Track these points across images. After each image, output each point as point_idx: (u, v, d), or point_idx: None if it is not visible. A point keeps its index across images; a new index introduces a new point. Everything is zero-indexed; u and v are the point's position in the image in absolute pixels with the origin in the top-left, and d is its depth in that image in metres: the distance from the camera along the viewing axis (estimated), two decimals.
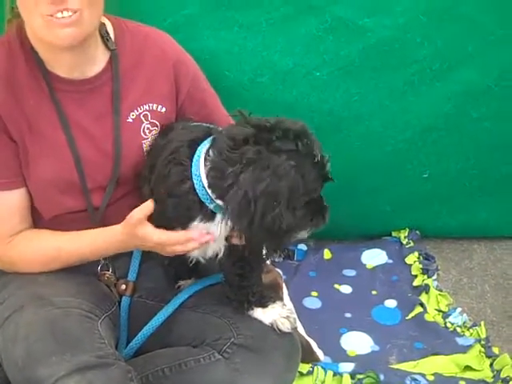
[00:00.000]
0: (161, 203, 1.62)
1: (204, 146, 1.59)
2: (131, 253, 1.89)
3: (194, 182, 1.56)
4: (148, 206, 1.64)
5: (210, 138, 1.60)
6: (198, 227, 1.62)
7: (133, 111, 1.81)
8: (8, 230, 1.77)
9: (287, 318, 1.78)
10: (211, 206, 1.58)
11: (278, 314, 1.78)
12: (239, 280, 1.77)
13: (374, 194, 2.64)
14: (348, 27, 2.21)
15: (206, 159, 1.55)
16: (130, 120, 1.81)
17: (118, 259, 1.90)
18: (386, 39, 2.25)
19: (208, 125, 1.73)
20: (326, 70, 2.27)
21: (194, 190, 1.57)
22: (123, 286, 1.90)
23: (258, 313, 1.78)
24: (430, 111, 2.42)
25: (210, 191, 1.55)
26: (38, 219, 1.83)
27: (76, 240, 1.78)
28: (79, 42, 1.65)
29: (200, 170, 1.56)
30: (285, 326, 1.76)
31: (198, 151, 1.59)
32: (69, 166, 1.75)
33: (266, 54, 2.20)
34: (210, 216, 1.60)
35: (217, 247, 1.69)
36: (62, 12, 1.57)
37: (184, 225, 1.62)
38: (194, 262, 1.78)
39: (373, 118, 2.40)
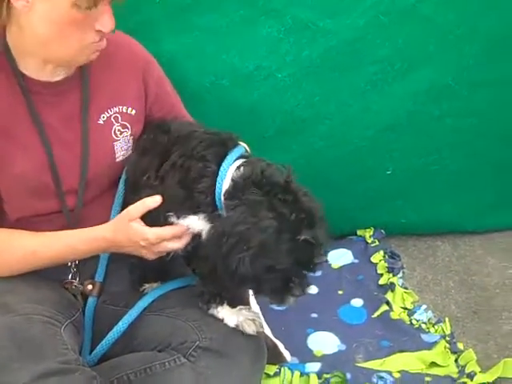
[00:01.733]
0: (168, 194, 1.68)
1: (235, 157, 1.69)
2: (98, 256, 1.90)
3: (217, 184, 1.63)
4: (145, 204, 1.70)
5: (242, 151, 1.72)
6: (194, 222, 1.67)
7: (103, 113, 1.84)
8: None
9: (253, 320, 1.79)
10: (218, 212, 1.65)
11: (244, 316, 1.79)
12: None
13: (338, 192, 2.65)
14: (309, 28, 2.24)
15: (235, 171, 1.65)
16: (101, 122, 1.83)
17: (87, 262, 1.90)
18: (347, 40, 2.28)
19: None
20: (288, 72, 2.29)
21: (213, 190, 1.62)
22: (89, 286, 1.91)
23: (225, 312, 1.79)
24: (391, 110, 2.46)
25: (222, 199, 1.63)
26: (1, 219, 1.83)
27: (54, 243, 1.78)
28: None
29: (226, 177, 1.63)
30: (250, 329, 1.78)
31: (228, 158, 1.68)
32: (43, 167, 1.76)
33: (227, 56, 2.21)
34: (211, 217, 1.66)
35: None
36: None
37: (181, 218, 1.67)
38: (170, 257, 1.80)
39: (335, 117, 2.42)
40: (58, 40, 1.63)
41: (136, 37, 1.90)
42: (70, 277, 1.91)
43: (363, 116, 2.45)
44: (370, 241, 2.80)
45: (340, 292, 2.56)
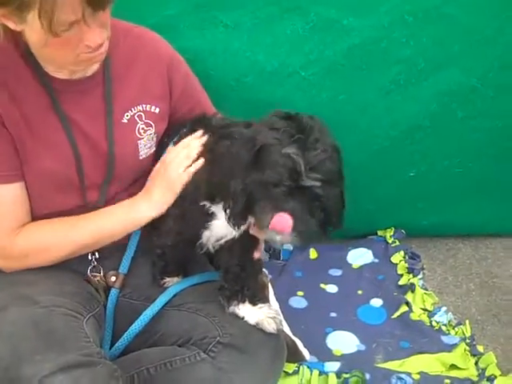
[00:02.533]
0: None
1: None
2: (123, 250, 1.92)
3: None
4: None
5: None
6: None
7: (127, 112, 1.85)
8: (15, 221, 1.78)
9: (273, 318, 1.80)
10: None
11: (264, 314, 1.80)
12: (239, 269, 1.80)
13: (360, 192, 2.60)
14: (333, 27, 2.23)
15: None
16: (125, 120, 1.85)
17: (110, 256, 1.93)
18: (372, 39, 2.27)
19: None
20: (312, 70, 2.28)
21: None
22: (113, 278, 1.93)
23: (246, 309, 1.80)
24: (415, 110, 2.44)
25: None
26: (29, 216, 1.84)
27: (90, 221, 1.81)
28: None
29: None
30: (271, 327, 1.79)
31: None
32: (69, 162, 1.78)
33: (251, 53, 2.22)
34: None
35: (226, 230, 1.73)
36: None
37: None
38: (203, 251, 1.81)
39: (358, 117, 2.42)
40: (50, 55, 1.66)
41: (161, 32, 1.90)
42: (89, 270, 1.93)
43: (387, 116, 2.44)
44: (390, 241, 2.79)
45: (359, 292, 2.57)
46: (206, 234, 1.77)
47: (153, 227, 1.88)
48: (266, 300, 1.86)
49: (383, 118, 2.44)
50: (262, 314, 1.80)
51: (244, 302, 1.80)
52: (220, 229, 1.74)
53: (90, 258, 1.92)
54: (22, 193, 1.78)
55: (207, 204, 1.71)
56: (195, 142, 1.81)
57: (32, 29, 1.56)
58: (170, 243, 1.88)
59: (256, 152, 1.57)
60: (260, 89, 2.20)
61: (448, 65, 2.37)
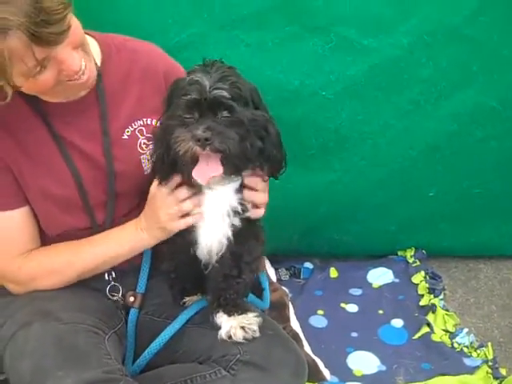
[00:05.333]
0: None
1: None
2: (139, 269, 1.92)
3: None
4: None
5: None
6: None
7: (127, 128, 1.84)
8: (19, 248, 1.79)
9: (243, 328, 1.77)
10: None
11: (237, 322, 1.78)
12: (224, 281, 1.79)
13: (380, 212, 2.65)
14: (353, 47, 2.24)
15: None
16: (126, 137, 1.84)
17: (126, 276, 1.92)
18: (391, 59, 2.27)
19: None
20: (332, 89, 2.29)
21: None
22: (131, 298, 1.92)
23: (223, 318, 1.79)
24: (435, 130, 2.44)
25: None
26: (43, 239, 1.85)
27: (95, 245, 1.81)
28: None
29: None
30: (236, 337, 1.76)
31: None
32: (69, 184, 1.78)
33: (272, 72, 2.22)
34: None
35: (220, 240, 1.72)
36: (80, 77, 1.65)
37: None
38: (206, 268, 1.80)
39: (378, 136, 2.41)
40: (38, 92, 1.67)
41: (185, 50, 1.93)
42: (108, 290, 1.92)
43: (406, 136, 2.43)
44: (411, 261, 2.78)
45: (380, 311, 2.55)
46: (198, 250, 1.77)
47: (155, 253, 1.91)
48: (245, 309, 1.83)
49: (402, 137, 2.43)
50: (234, 322, 1.78)
51: (219, 311, 1.80)
52: (205, 237, 1.73)
53: (106, 277, 1.91)
54: (27, 218, 1.80)
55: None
56: (182, 191, 1.71)
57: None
58: (172, 268, 1.89)
59: (169, 93, 1.64)
60: (280, 107, 2.16)
61: (467, 85, 2.37)
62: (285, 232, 2.47)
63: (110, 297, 1.92)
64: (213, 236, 1.72)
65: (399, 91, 2.35)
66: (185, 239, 1.74)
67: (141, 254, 1.90)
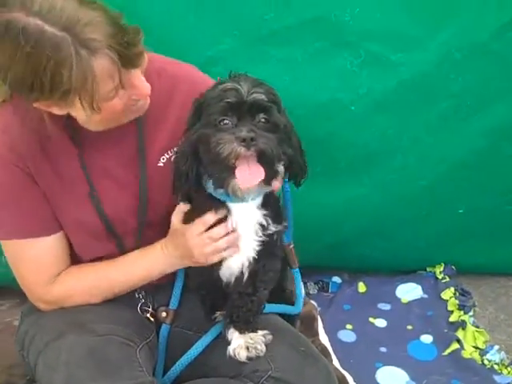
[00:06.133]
0: None
1: None
2: (172, 284, 1.92)
3: None
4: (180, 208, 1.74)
5: None
6: None
7: (163, 155, 1.82)
8: (52, 272, 1.80)
9: (247, 348, 1.77)
10: None
11: (244, 341, 1.78)
12: (239, 298, 1.79)
13: (409, 228, 2.65)
14: (382, 62, 2.25)
15: None
16: (161, 164, 1.82)
17: (159, 291, 1.94)
18: (420, 74, 2.28)
19: None
20: (361, 104, 2.30)
21: None
22: (164, 314, 1.93)
23: (234, 335, 1.79)
24: (464, 146, 2.43)
25: None
26: (77, 261, 1.87)
27: (121, 267, 1.82)
28: None
29: None
30: (240, 357, 1.76)
31: None
32: (91, 215, 1.78)
33: (301, 88, 2.23)
34: None
35: (244, 262, 1.74)
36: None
37: None
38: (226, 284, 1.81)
39: (407, 152, 2.42)
40: (100, 121, 1.64)
41: (214, 66, 1.95)
42: (138, 308, 1.93)
43: (435, 151, 2.43)
44: (440, 277, 2.77)
45: (409, 327, 2.54)
46: (221, 272, 1.78)
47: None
48: (256, 327, 1.82)
49: (431, 153, 2.43)
50: (241, 341, 1.78)
51: (230, 327, 1.80)
52: (230, 260, 1.75)
53: (137, 296, 1.93)
54: (59, 243, 1.80)
55: None
56: (217, 231, 1.70)
57: (77, 109, 1.55)
58: (195, 287, 1.91)
59: (196, 106, 1.63)
60: (309, 122, 2.19)
61: (496, 101, 2.36)
62: (313, 246, 2.46)
63: (141, 313, 1.93)
64: (237, 259, 1.74)
65: (428, 106, 2.35)
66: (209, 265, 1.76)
67: (172, 276, 1.91)
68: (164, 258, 1.78)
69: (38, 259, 1.78)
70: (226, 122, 1.53)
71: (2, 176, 1.70)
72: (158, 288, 1.92)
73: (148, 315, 1.93)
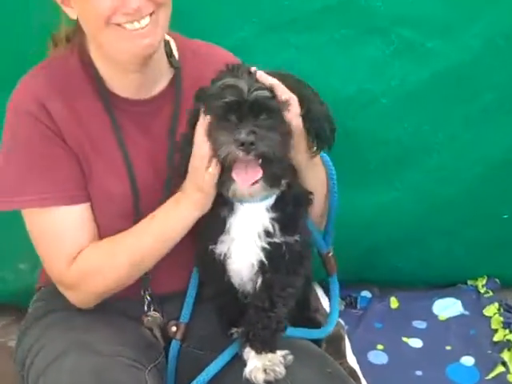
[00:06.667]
0: None
1: None
2: (183, 295, 1.96)
3: None
4: None
5: None
6: None
7: None
8: (77, 247, 1.84)
9: (264, 370, 1.78)
10: None
11: (261, 363, 1.78)
12: (255, 313, 1.81)
13: (447, 236, 2.67)
14: (416, 50, 2.27)
15: None
16: None
17: (168, 301, 1.98)
18: (459, 64, 2.31)
19: None
20: (392, 97, 2.32)
21: None
22: (173, 328, 1.96)
23: (251, 355, 1.81)
24: (508, 143, 2.46)
25: None
26: None
27: (138, 232, 1.84)
28: (155, 49, 1.79)
29: None
30: (256, 379, 1.77)
31: None
32: (124, 185, 1.87)
33: (326, 78, 2.24)
34: None
35: (251, 266, 1.77)
36: (138, 22, 1.72)
37: None
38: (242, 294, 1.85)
39: (445, 150, 2.44)
40: (104, 42, 1.76)
41: (235, 53, 1.99)
42: (146, 308, 1.97)
43: (476, 149, 2.46)
44: (482, 291, 2.79)
45: (448, 348, 2.56)
46: (232, 278, 1.82)
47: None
48: (275, 347, 1.85)
49: (472, 151, 2.46)
50: (258, 364, 1.79)
51: (246, 346, 1.82)
52: (235, 262, 1.77)
53: (141, 293, 1.96)
54: (87, 215, 1.86)
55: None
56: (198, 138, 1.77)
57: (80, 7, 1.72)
58: (211, 295, 1.95)
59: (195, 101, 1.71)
60: (335, 116, 2.18)
61: None
62: (339, 257, 2.46)
63: (145, 317, 1.97)
64: (243, 260, 1.77)
65: (468, 99, 2.37)
66: (216, 265, 1.79)
67: (185, 280, 1.96)
68: (176, 205, 1.81)
69: (62, 231, 1.83)
70: (225, 121, 1.60)
71: (31, 134, 1.80)
72: (167, 299, 1.97)
73: (156, 332, 1.97)
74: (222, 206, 1.74)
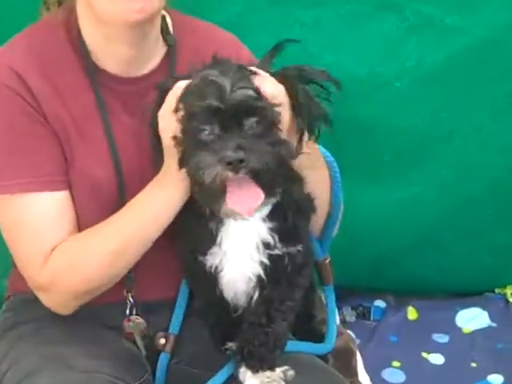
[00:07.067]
0: None
1: None
2: (171, 306, 1.94)
3: None
4: None
5: None
6: None
7: None
8: (56, 240, 1.80)
9: None
10: None
11: (258, 382, 1.74)
12: (251, 329, 1.79)
13: (472, 239, 2.66)
14: (434, 27, 2.27)
15: None
16: None
17: (154, 311, 1.95)
18: (483, 41, 2.30)
19: None
20: (408, 80, 2.32)
21: None
22: (162, 340, 1.92)
23: (243, 374, 1.77)
24: None
25: None
26: None
27: (127, 214, 1.81)
28: (148, 15, 1.74)
29: None
30: None
31: None
32: (108, 170, 1.84)
33: (333, 58, 2.25)
34: None
35: (248, 281, 1.74)
36: None
37: None
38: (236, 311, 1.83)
39: (467, 140, 2.43)
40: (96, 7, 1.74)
41: (230, 30, 1.95)
42: (128, 311, 1.93)
43: (503, 140, 2.46)
44: (511, 300, 2.78)
45: (473, 364, 2.54)
46: (224, 292, 1.79)
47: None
48: (273, 364, 1.84)
49: (499, 142, 2.46)
50: (256, 382, 1.75)
51: (241, 366, 1.78)
52: (229, 276, 1.74)
53: (124, 293, 1.92)
54: (68, 204, 1.83)
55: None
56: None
57: None
58: (203, 308, 1.92)
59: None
60: (343, 102, 2.18)
61: None
62: (350, 262, 2.46)
63: (126, 327, 1.93)
64: (237, 274, 1.74)
65: (493, 82, 2.37)
66: (206, 276, 1.77)
67: (173, 288, 1.93)
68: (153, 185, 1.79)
69: (41, 221, 1.80)
70: (206, 132, 1.53)
71: (11, 109, 1.77)
72: (154, 308, 1.94)
73: (139, 342, 1.94)
74: (208, 217, 1.70)
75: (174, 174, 1.68)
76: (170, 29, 1.92)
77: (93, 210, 1.84)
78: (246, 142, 1.49)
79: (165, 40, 1.90)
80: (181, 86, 1.59)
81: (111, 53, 1.84)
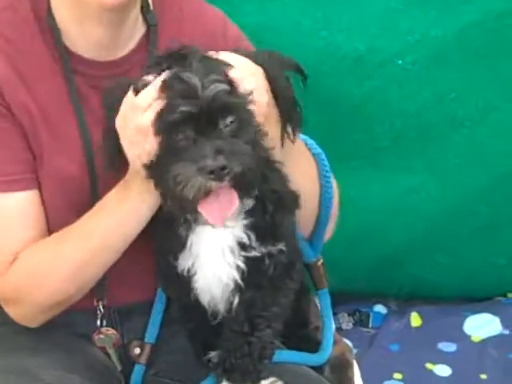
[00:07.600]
0: None
1: None
2: (147, 312, 1.96)
3: None
4: None
5: None
6: None
7: None
8: (19, 245, 1.82)
9: None
10: None
11: None
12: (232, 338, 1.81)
13: (482, 238, 2.70)
14: None
15: None
16: None
17: (129, 317, 1.97)
18: (495, 13, 2.32)
19: None
20: (411, 57, 2.33)
21: None
22: (137, 350, 1.94)
23: None
24: None
25: None
26: None
27: (94, 220, 1.81)
28: (127, 1, 1.76)
29: None
30: None
31: None
32: (80, 166, 1.85)
33: (328, 33, 2.26)
34: None
35: (224, 284, 1.77)
36: None
37: None
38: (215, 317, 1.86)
39: (477, 124, 2.46)
40: None
41: (218, 5, 1.97)
42: (98, 322, 1.95)
43: None
44: None
45: (483, 376, 2.57)
46: (200, 297, 1.81)
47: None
48: (259, 376, 1.86)
49: (508, 127, 2.49)
50: None
51: (222, 381, 1.80)
52: (203, 280, 1.76)
53: (94, 303, 1.94)
54: (37, 205, 1.85)
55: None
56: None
57: None
58: (180, 314, 1.96)
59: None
60: (337, 83, 2.24)
61: None
62: (347, 264, 2.48)
63: (97, 341, 1.95)
64: (211, 278, 1.76)
65: (506, 59, 2.40)
66: (180, 281, 1.79)
67: (148, 290, 1.96)
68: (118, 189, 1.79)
69: (8, 223, 1.82)
70: (179, 137, 1.54)
71: None
72: (128, 313, 1.96)
73: (112, 354, 1.97)
74: (177, 223, 1.73)
75: (140, 186, 1.70)
76: (151, 5, 1.92)
77: (63, 208, 1.86)
78: (224, 144, 1.50)
79: (145, 19, 1.91)
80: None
81: (85, 35, 1.84)
